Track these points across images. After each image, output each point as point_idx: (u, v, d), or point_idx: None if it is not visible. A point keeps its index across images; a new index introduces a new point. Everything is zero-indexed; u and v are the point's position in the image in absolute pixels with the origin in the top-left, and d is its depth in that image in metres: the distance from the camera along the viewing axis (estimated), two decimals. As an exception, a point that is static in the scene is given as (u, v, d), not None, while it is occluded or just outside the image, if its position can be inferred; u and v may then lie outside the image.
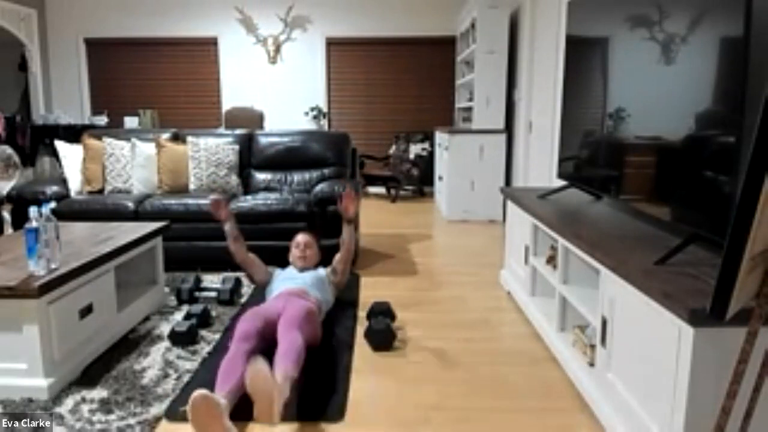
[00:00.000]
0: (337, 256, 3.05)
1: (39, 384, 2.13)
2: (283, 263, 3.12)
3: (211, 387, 2.01)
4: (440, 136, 6.57)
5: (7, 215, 4.02)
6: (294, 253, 3.05)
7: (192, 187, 4.21)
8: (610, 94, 2.64)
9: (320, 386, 2.22)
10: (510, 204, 3.40)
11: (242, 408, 2.02)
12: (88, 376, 2.33)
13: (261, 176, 4.43)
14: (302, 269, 2.99)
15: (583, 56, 3.01)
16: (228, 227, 3.01)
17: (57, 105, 7.60)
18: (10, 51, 7.37)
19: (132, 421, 1.99)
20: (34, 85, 7.39)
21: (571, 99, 3.13)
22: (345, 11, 7.50)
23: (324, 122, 7.64)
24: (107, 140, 4.30)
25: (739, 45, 1.62)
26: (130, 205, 3.88)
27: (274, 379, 1.91)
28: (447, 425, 2.04)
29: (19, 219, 3.81)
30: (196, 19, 7.52)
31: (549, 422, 2.07)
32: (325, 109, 7.64)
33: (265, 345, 2.35)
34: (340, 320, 2.93)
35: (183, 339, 2.63)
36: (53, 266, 2.21)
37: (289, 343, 2.15)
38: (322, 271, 3.02)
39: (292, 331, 2.24)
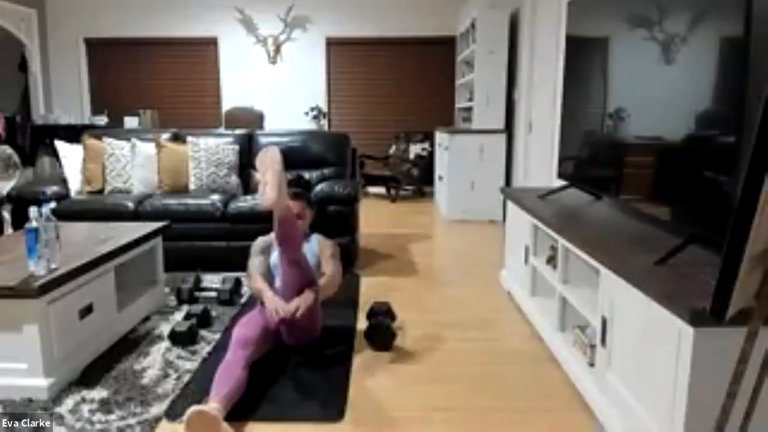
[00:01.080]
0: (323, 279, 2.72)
1: (39, 384, 2.13)
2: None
3: (209, 388, 2.01)
4: (440, 136, 6.57)
5: (7, 215, 4.01)
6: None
7: (192, 187, 4.21)
8: (610, 94, 2.64)
9: (320, 386, 2.22)
10: (510, 204, 3.40)
11: (241, 408, 2.02)
12: (88, 376, 2.33)
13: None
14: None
15: (583, 56, 3.00)
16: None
17: (57, 105, 7.60)
18: (10, 51, 7.36)
19: (132, 421, 1.99)
20: (34, 85, 7.39)
21: (571, 99, 3.13)
22: (345, 11, 7.50)
23: (324, 122, 7.64)
24: (107, 140, 4.29)
25: (739, 45, 1.62)
26: (130, 205, 3.88)
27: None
28: (447, 425, 2.04)
29: (19, 219, 3.80)
30: (197, 19, 7.51)
31: (549, 422, 2.07)
32: (325, 109, 7.63)
33: (264, 352, 2.34)
34: (340, 320, 2.93)
35: (183, 339, 2.63)
36: (53, 266, 2.21)
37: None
38: (314, 242, 2.79)
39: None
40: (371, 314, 2.86)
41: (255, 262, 2.72)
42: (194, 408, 1.83)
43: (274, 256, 2.67)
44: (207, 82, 7.69)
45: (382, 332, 2.65)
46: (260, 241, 2.79)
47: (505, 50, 5.71)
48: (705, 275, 1.63)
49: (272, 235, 2.59)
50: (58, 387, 2.20)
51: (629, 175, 2.48)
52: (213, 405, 1.89)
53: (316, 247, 2.76)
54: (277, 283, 2.78)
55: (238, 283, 3.35)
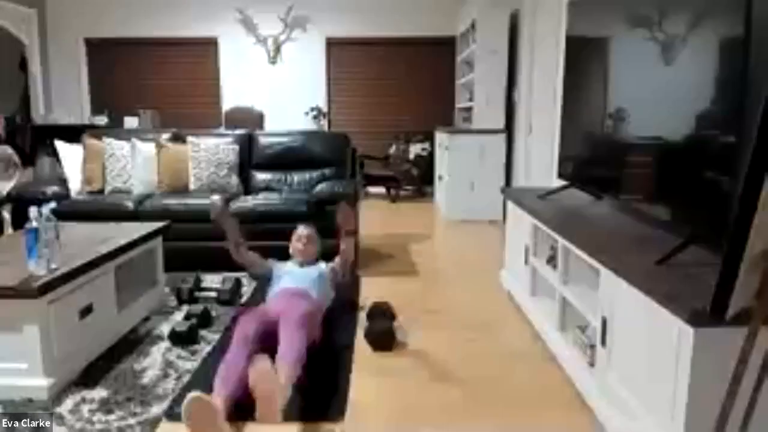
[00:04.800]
0: (337, 260, 3.02)
1: (39, 384, 2.13)
2: (283, 260, 3.11)
3: (210, 388, 2.01)
4: (440, 136, 6.57)
5: (7, 215, 4.01)
6: (295, 246, 3.00)
7: (192, 187, 4.21)
8: (611, 95, 2.64)
9: (320, 386, 2.22)
10: (510, 204, 3.40)
11: (240, 408, 2.02)
12: (89, 376, 2.33)
13: (261, 176, 4.43)
14: (302, 263, 2.96)
15: (583, 56, 3.01)
16: (229, 235, 2.89)
17: (57, 105, 7.59)
18: (11, 51, 7.36)
19: (132, 421, 1.99)
20: (34, 85, 7.38)
21: (572, 99, 3.13)
22: (345, 11, 7.50)
23: (324, 122, 7.64)
24: (107, 140, 4.30)
25: (739, 45, 1.62)
26: (130, 205, 3.88)
27: (278, 379, 1.89)
28: (447, 425, 2.04)
29: (20, 219, 3.80)
30: (197, 19, 7.51)
31: (549, 422, 2.07)
32: (325, 109, 7.63)
33: (265, 348, 2.34)
34: (340, 321, 2.93)
35: (183, 339, 2.63)
36: (53, 266, 2.21)
37: (290, 343, 2.13)
38: (322, 265, 2.97)
39: (292, 331, 2.21)
40: (371, 314, 2.86)
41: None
42: (194, 393, 1.83)
43: (284, 267, 2.93)
44: (207, 82, 7.69)
45: (382, 332, 2.65)
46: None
47: (505, 50, 5.71)
48: (705, 275, 1.63)
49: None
50: (58, 387, 2.20)
51: (629, 175, 2.48)
52: (217, 403, 1.90)
53: (322, 266, 2.97)
54: (276, 288, 2.80)
55: (238, 283, 3.35)
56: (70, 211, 3.71)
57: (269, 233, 3.68)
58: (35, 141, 6.88)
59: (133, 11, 7.50)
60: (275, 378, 1.88)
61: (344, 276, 3.05)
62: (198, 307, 2.92)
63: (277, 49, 7.58)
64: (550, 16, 4.51)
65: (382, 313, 2.85)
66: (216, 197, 3.47)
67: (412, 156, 7.15)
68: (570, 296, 2.40)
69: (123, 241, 2.72)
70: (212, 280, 3.55)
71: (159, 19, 7.52)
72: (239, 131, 4.59)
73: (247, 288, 3.48)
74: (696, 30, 1.91)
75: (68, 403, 2.12)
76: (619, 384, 1.88)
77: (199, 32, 7.55)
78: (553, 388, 2.31)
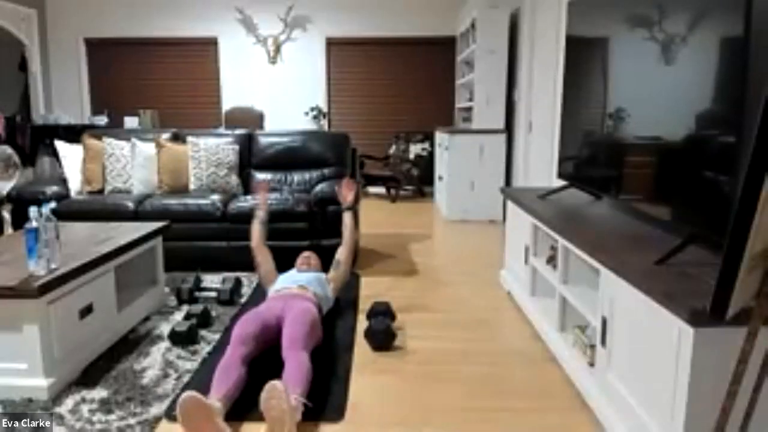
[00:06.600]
0: (340, 249, 3.18)
1: (39, 384, 2.13)
2: (283, 263, 3.14)
3: (209, 388, 2.01)
4: (440, 136, 6.57)
5: (7, 215, 4.01)
6: (298, 261, 3.16)
7: (192, 187, 4.21)
8: (610, 94, 2.64)
9: (320, 386, 2.22)
10: (510, 204, 3.40)
11: (239, 408, 2.02)
12: (88, 376, 2.33)
13: (261, 176, 4.42)
14: (303, 271, 3.02)
15: (583, 56, 3.01)
16: (261, 212, 3.30)
17: (57, 105, 7.60)
18: (11, 51, 7.36)
19: (132, 421, 1.99)
20: (34, 85, 7.39)
21: (571, 99, 3.13)
22: (345, 11, 7.50)
23: (324, 122, 7.64)
24: (107, 140, 4.29)
25: (739, 45, 1.62)
26: (130, 205, 3.88)
27: (289, 403, 1.85)
28: (447, 425, 2.03)
29: (19, 219, 3.80)
30: (197, 19, 7.51)
31: (549, 422, 2.07)
32: (325, 109, 7.63)
33: (263, 349, 2.34)
34: (340, 320, 2.93)
35: (183, 339, 2.63)
36: (53, 266, 2.21)
37: (297, 366, 2.11)
38: (322, 275, 3.04)
39: (297, 352, 2.20)
40: (371, 314, 2.86)
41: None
42: (188, 393, 1.83)
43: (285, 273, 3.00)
44: (207, 82, 7.69)
45: (382, 332, 2.65)
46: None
47: (505, 50, 5.71)
48: (705, 275, 1.63)
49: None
50: (58, 387, 2.20)
51: (629, 175, 2.48)
52: (214, 402, 1.89)
53: (322, 275, 3.03)
54: (279, 285, 2.81)
55: (238, 282, 3.35)
56: (70, 211, 3.72)
57: (269, 233, 3.69)
58: (35, 141, 6.88)
59: (132, 11, 7.50)
60: (286, 404, 1.84)
61: (348, 262, 3.14)
62: (198, 307, 2.92)
63: (277, 49, 7.57)
64: (550, 15, 4.51)
65: (382, 313, 2.85)
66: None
67: (412, 156, 7.15)
68: (570, 296, 2.40)
69: (123, 241, 2.71)
70: (212, 280, 3.55)
71: (159, 19, 7.51)
72: (239, 131, 4.59)
73: (247, 288, 3.48)
74: (696, 30, 1.91)
75: (68, 403, 2.12)
76: (618, 384, 1.88)
77: (199, 32, 7.54)
78: (553, 388, 2.31)
